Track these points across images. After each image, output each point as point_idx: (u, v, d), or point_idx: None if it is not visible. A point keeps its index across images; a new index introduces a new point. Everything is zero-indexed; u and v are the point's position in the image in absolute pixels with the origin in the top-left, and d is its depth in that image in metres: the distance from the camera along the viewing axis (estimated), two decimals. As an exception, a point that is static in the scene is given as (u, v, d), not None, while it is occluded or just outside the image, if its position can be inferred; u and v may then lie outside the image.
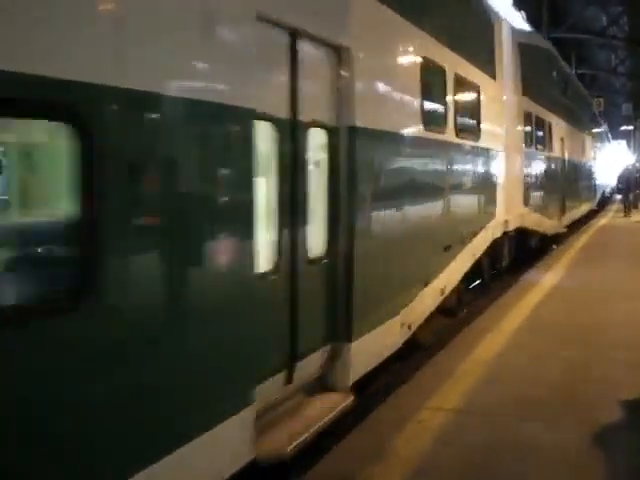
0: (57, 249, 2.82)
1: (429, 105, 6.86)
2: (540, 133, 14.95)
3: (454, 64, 7.71)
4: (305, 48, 4.29)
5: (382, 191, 5.57)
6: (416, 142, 6.50)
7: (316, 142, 4.60)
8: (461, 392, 5.27)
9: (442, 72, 7.33)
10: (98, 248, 2.57)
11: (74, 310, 2.50)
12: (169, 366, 3.00)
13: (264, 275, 3.88)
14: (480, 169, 9.40)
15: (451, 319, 8.39)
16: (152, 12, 2.89)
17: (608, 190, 38.37)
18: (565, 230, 17.90)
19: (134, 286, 2.79)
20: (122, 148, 2.72)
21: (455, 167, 8.10)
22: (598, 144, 32.43)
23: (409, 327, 6.03)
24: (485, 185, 9.59)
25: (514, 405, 5.02)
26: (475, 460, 4.11)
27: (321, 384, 4.79)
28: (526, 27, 14.65)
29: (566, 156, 18.86)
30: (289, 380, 4.23)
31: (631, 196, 26.55)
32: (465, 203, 8.61)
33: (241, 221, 3.55)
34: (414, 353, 6.70)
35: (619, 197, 32.00)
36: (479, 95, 9.11)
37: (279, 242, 4.08)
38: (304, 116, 4.30)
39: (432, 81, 7.03)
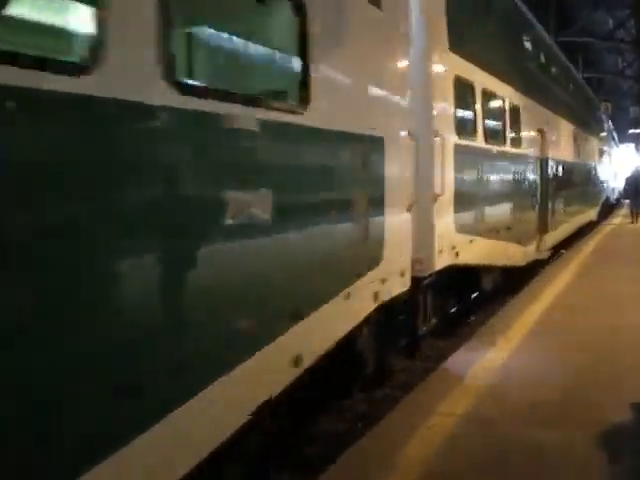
0: None
1: None
2: (495, 119, 9.74)
3: None
4: None
5: None
6: None
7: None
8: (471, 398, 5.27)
9: None
10: None
11: None
12: None
13: None
14: (319, 176, 4.50)
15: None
16: None
17: (614, 196, 34.64)
18: (548, 255, 13.48)
19: None
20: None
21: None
22: (598, 141, 26.73)
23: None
24: (344, 207, 4.75)
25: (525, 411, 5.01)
26: (486, 465, 4.11)
27: None
28: None
29: (549, 155, 13.71)
30: None
31: None
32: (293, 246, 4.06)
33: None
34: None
35: (627, 201, 29.00)
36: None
37: None
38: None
39: None
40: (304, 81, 4.11)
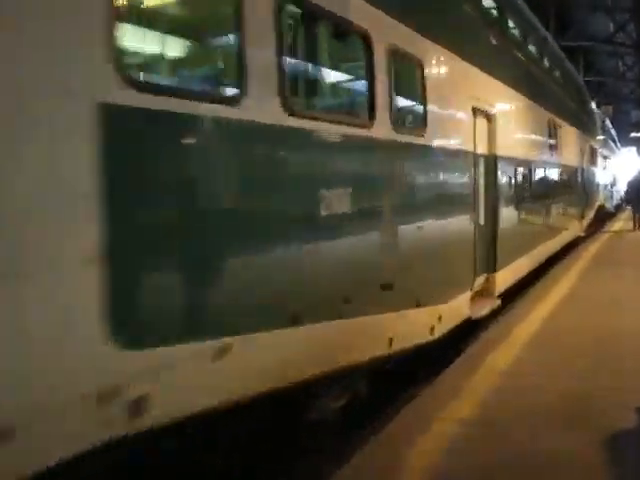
0: None
1: None
2: (410, 98, 6.39)
3: None
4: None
5: None
6: None
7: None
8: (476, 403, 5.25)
9: None
10: None
11: None
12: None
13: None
14: None
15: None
16: None
17: (613, 203, 31.58)
18: (499, 305, 8.71)
19: None
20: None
21: None
22: (589, 137, 22.04)
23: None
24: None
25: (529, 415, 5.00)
26: (490, 470, 4.09)
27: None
28: None
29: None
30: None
31: None
32: None
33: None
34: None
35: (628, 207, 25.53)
36: None
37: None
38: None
39: None
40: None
